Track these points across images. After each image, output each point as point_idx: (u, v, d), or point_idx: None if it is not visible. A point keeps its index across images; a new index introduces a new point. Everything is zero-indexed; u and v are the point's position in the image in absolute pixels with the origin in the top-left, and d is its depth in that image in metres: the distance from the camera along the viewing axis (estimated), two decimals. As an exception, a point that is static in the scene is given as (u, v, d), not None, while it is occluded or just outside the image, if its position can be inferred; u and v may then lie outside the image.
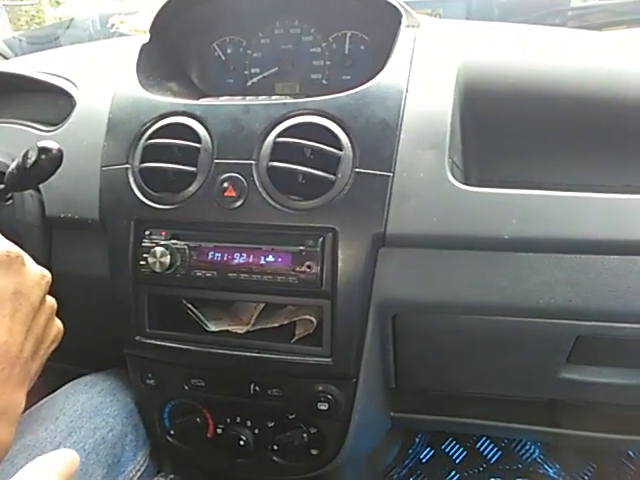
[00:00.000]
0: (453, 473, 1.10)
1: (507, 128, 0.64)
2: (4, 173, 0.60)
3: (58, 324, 0.45)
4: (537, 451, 1.11)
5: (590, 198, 0.55)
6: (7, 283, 0.40)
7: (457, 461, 1.14)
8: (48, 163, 0.54)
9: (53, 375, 0.48)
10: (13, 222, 0.66)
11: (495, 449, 1.13)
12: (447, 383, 0.70)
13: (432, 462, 1.14)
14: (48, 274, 0.45)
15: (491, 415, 0.74)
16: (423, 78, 0.63)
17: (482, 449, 1.14)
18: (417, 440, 1.16)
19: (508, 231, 0.54)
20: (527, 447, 1.12)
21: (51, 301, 0.45)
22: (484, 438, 1.15)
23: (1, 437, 0.37)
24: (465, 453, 1.14)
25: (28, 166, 0.54)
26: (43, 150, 0.54)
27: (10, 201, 0.64)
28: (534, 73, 0.64)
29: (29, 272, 0.42)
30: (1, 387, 0.37)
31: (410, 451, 1.15)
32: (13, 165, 0.56)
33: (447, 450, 1.15)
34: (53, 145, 0.54)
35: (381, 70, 0.63)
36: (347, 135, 0.59)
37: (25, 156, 0.55)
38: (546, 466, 1.09)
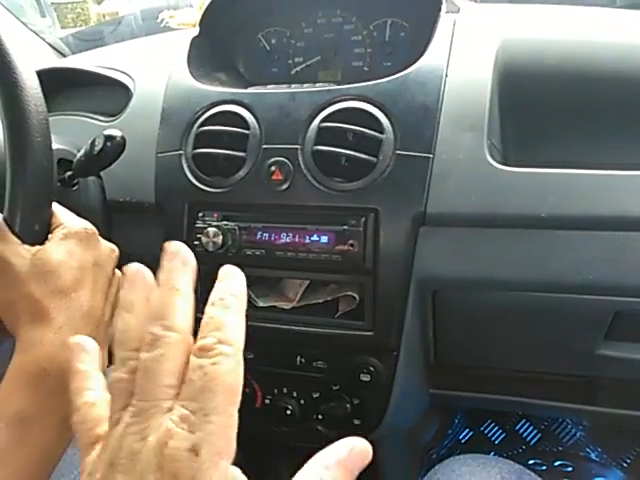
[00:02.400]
0: (492, 454, 1.12)
1: (546, 109, 0.65)
2: (70, 161, 0.66)
3: None
4: (578, 433, 1.11)
5: (627, 176, 0.55)
6: (88, 256, 0.45)
7: (496, 442, 1.15)
8: (113, 150, 0.59)
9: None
10: (78, 206, 0.71)
11: (535, 431, 1.14)
12: (485, 359, 0.72)
13: (471, 443, 1.16)
14: (116, 249, 0.50)
15: (530, 393, 0.75)
16: (462, 62, 0.64)
17: (521, 431, 1.15)
18: (456, 421, 1.17)
19: (545, 209, 0.56)
20: (568, 429, 1.12)
21: (119, 273, 0.50)
22: (524, 420, 1.15)
23: None
24: (504, 435, 1.15)
25: (95, 153, 0.59)
26: (109, 138, 0.58)
27: (76, 187, 0.70)
28: (575, 53, 0.65)
29: (103, 246, 0.47)
30: None
31: (449, 431, 1.17)
32: (81, 153, 0.61)
33: (486, 431, 1.17)
34: (117, 133, 0.59)
35: (421, 56, 0.66)
36: (388, 119, 0.62)
37: (93, 144, 0.60)
38: (588, 449, 1.09)
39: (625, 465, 1.06)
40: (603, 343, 0.63)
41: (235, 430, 0.25)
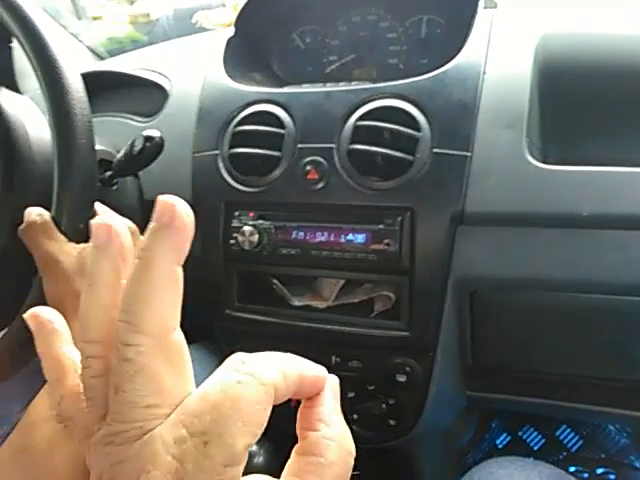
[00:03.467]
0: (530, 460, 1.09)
1: (586, 105, 0.63)
2: (110, 161, 0.67)
3: None
4: (622, 440, 1.07)
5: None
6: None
7: (535, 448, 1.12)
8: (152, 150, 0.60)
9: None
10: (117, 205, 0.73)
11: (576, 438, 1.10)
12: (525, 361, 0.70)
13: (509, 448, 1.13)
14: None
15: (572, 397, 0.73)
16: (501, 58, 0.63)
17: (562, 437, 1.11)
18: (493, 425, 1.15)
19: (587, 208, 0.54)
20: (611, 436, 1.08)
21: None
22: (564, 426, 1.12)
23: None
24: (544, 441, 1.12)
25: (135, 153, 0.60)
26: (148, 138, 0.60)
27: (115, 186, 0.71)
28: (615, 47, 0.63)
29: None
30: None
31: (486, 436, 1.14)
32: (121, 153, 0.63)
33: (524, 437, 1.14)
34: (156, 133, 0.60)
35: (458, 52, 0.64)
36: (425, 116, 0.61)
37: (132, 144, 0.61)
38: (632, 456, 1.05)
39: (671, 474, 1.02)
40: (653, 346, 0.61)
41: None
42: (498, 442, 1.14)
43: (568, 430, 1.12)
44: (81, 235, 0.46)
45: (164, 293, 0.21)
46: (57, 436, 0.38)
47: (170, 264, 0.22)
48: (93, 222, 0.24)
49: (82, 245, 0.45)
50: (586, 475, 1.05)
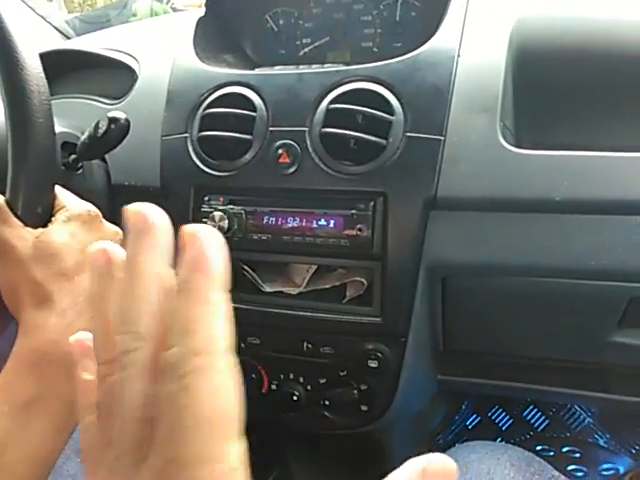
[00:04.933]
0: (499, 440, 1.12)
1: (560, 90, 0.63)
2: (75, 144, 0.65)
3: None
4: (587, 420, 1.10)
5: (644, 158, 0.54)
6: (91, 238, 0.44)
7: (503, 428, 1.15)
8: (117, 132, 0.58)
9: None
10: (82, 190, 0.71)
11: (543, 417, 1.13)
12: (495, 346, 0.71)
13: (478, 428, 1.15)
14: (121, 232, 0.49)
15: (540, 379, 0.75)
16: (475, 42, 0.62)
17: (529, 417, 1.14)
18: (463, 406, 1.17)
19: (559, 193, 0.55)
20: (576, 416, 1.11)
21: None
22: (531, 406, 1.15)
23: None
24: (512, 421, 1.15)
25: (99, 135, 0.58)
26: (113, 120, 0.57)
27: (80, 170, 0.69)
28: (590, 32, 0.63)
29: (107, 229, 0.47)
30: None
31: (456, 417, 1.16)
32: (85, 135, 0.61)
33: (493, 417, 1.16)
34: (121, 115, 0.58)
35: (433, 35, 0.64)
36: (398, 100, 0.60)
37: (96, 126, 0.59)
38: (596, 435, 1.09)
39: (634, 452, 1.06)
40: (617, 330, 0.62)
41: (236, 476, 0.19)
42: (468, 423, 1.16)
43: (535, 410, 1.14)
44: (39, 220, 0.44)
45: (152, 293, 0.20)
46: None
47: (154, 263, 0.21)
48: (95, 252, 0.23)
49: (39, 230, 0.43)
50: (552, 454, 1.08)
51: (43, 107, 0.45)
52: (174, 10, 1.07)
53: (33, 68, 0.46)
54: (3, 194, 0.44)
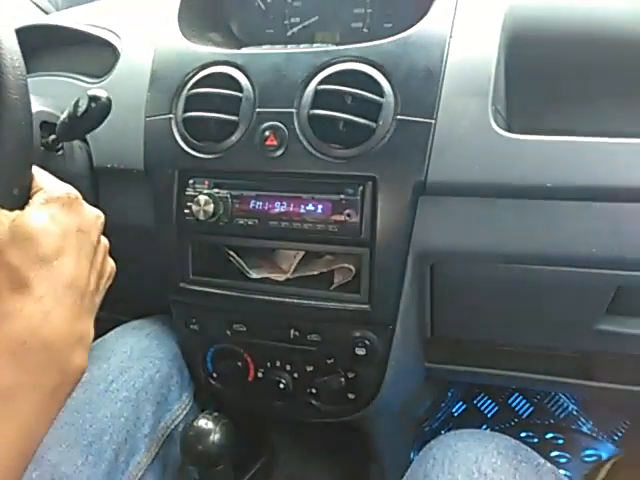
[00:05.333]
0: (484, 427, 1.12)
1: (554, 76, 0.62)
2: (54, 124, 0.63)
3: (111, 262, 0.48)
4: (570, 407, 1.11)
5: (634, 144, 0.53)
6: (71, 221, 0.42)
7: (489, 416, 1.16)
8: (98, 111, 0.56)
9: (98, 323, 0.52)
10: (63, 172, 0.69)
11: (527, 405, 1.14)
12: (483, 333, 0.71)
13: (464, 416, 1.16)
14: (102, 215, 0.47)
15: (526, 367, 0.75)
16: (468, 24, 0.61)
17: (514, 404, 1.15)
18: (450, 394, 1.18)
19: (550, 179, 0.54)
20: (560, 403, 1.12)
21: (105, 240, 0.47)
22: (516, 394, 1.16)
23: (79, 362, 0.40)
24: (497, 408, 1.16)
25: (79, 114, 0.56)
26: (93, 98, 0.55)
27: (60, 152, 0.67)
28: (585, 18, 0.62)
29: (87, 212, 0.45)
30: (75, 317, 0.40)
31: (443, 404, 1.17)
32: (64, 114, 0.58)
33: (479, 405, 1.17)
34: (102, 93, 0.56)
35: (424, 16, 0.62)
36: (389, 82, 0.59)
37: (76, 105, 0.56)
38: (579, 422, 1.10)
39: (616, 438, 1.07)
40: (604, 318, 0.62)
41: None
42: (454, 410, 1.17)
43: (520, 398, 1.16)
44: (16, 202, 0.42)
45: None
46: None
47: None
48: None
49: (16, 212, 0.41)
50: (536, 440, 1.09)
51: (18, 83, 0.43)
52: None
53: (7, 42, 0.43)
54: None
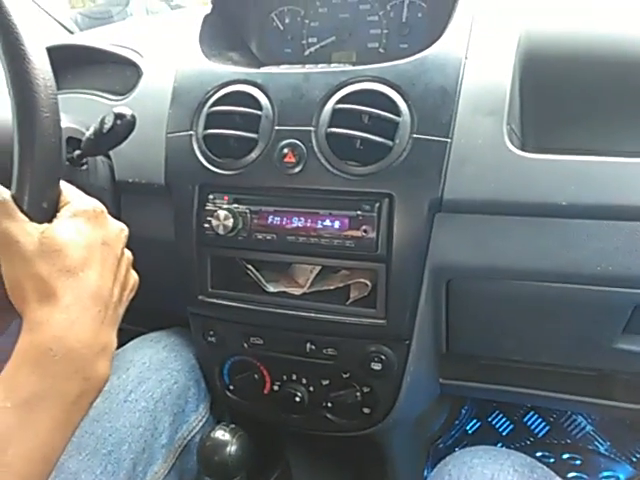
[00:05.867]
0: (499, 445, 1.11)
1: (568, 96, 0.63)
2: (79, 140, 0.64)
3: (134, 274, 0.50)
4: (588, 427, 1.10)
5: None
6: (96, 235, 0.44)
7: (504, 434, 1.15)
8: (123, 128, 0.58)
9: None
10: (87, 186, 0.70)
11: (543, 424, 1.13)
12: (499, 350, 0.71)
13: (478, 434, 1.15)
14: (126, 228, 0.49)
15: (542, 385, 0.74)
16: (483, 45, 0.62)
17: (530, 423, 1.14)
18: (464, 411, 1.17)
19: (566, 197, 0.54)
20: (577, 422, 1.11)
21: (128, 253, 0.49)
22: (532, 412, 1.14)
23: (102, 370, 0.41)
24: (512, 426, 1.15)
25: (105, 131, 0.58)
26: (119, 116, 0.57)
27: (85, 166, 0.68)
28: (599, 39, 0.63)
29: (112, 226, 0.46)
30: (100, 326, 0.41)
31: (457, 422, 1.16)
32: (90, 131, 0.60)
33: (494, 422, 1.16)
34: (128, 111, 0.58)
35: (440, 37, 0.63)
36: (405, 101, 0.60)
37: (102, 122, 0.58)
38: (597, 442, 1.08)
39: (635, 460, 1.05)
40: (621, 337, 0.62)
41: None
42: (468, 428, 1.16)
43: (535, 416, 1.14)
44: (45, 215, 0.44)
45: None
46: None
47: None
48: None
49: (45, 225, 0.43)
50: (552, 460, 1.07)
51: (50, 101, 0.45)
52: (171, 8, 1.07)
53: (40, 62, 0.45)
54: (9, 188, 0.44)
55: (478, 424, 1.16)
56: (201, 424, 0.72)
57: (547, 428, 1.12)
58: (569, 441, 1.10)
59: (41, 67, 0.45)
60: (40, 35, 0.46)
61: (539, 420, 1.14)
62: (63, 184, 0.47)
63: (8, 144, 0.46)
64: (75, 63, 0.83)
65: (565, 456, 1.07)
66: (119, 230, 0.47)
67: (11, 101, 0.45)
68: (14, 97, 0.44)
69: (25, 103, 0.44)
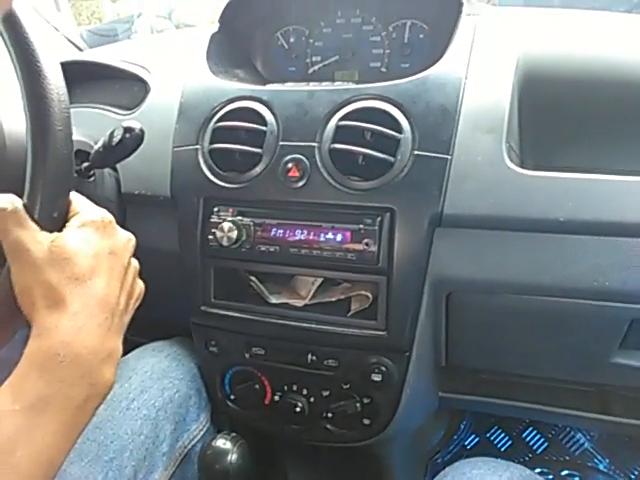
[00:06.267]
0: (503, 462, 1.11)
1: (565, 115, 0.65)
2: (87, 152, 0.66)
3: (140, 283, 0.51)
4: (587, 443, 1.10)
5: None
6: (104, 244, 0.45)
7: (502, 449, 1.14)
8: (131, 141, 0.59)
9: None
10: (93, 197, 0.72)
11: (542, 440, 1.13)
12: (497, 363, 0.72)
13: (476, 449, 1.15)
14: (133, 238, 0.50)
15: (541, 400, 0.75)
16: (483, 65, 0.64)
17: (528, 439, 1.14)
18: (462, 426, 1.17)
19: (564, 213, 0.56)
20: (575, 439, 1.11)
21: (135, 262, 0.50)
22: (531, 428, 1.14)
23: (108, 376, 0.42)
24: (511, 442, 1.14)
25: (114, 144, 0.59)
26: (128, 129, 0.59)
27: (92, 178, 0.70)
28: (596, 60, 0.65)
29: (120, 235, 0.48)
30: (106, 333, 0.42)
31: (455, 436, 1.16)
32: (100, 144, 0.62)
33: (492, 438, 1.16)
34: (136, 125, 0.59)
35: (441, 57, 0.65)
36: (407, 119, 0.62)
37: (111, 135, 0.60)
38: (596, 459, 1.08)
39: (633, 477, 1.05)
40: (618, 351, 0.63)
41: None
42: (466, 443, 1.16)
43: (534, 432, 1.14)
44: (55, 224, 0.45)
45: None
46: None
47: None
48: None
49: (55, 234, 0.44)
50: (551, 477, 1.07)
51: (63, 116, 0.47)
52: (177, 27, 1.09)
53: (54, 77, 0.47)
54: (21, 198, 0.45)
55: (477, 439, 1.16)
56: (202, 433, 0.72)
57: (546, 444, 1.12)
58: (568, 457, 1.10)
59: (56, 83, 0.47)
60: (55, 52, 0.47)
61: (538, 436, 1.13)
62: (73, 194, 0.49)
63: (21, 155, 0.48)
64: (84, 78, 0.85)
65: (564, 472, 1.07)
66: (127, 240, 0.49)
67: (26, 114, 0.46)
68: (29, 111, 0.46)
69: (39, 117, 0.45)
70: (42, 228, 0.44)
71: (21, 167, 0.46)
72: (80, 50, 1.15)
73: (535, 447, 1.13)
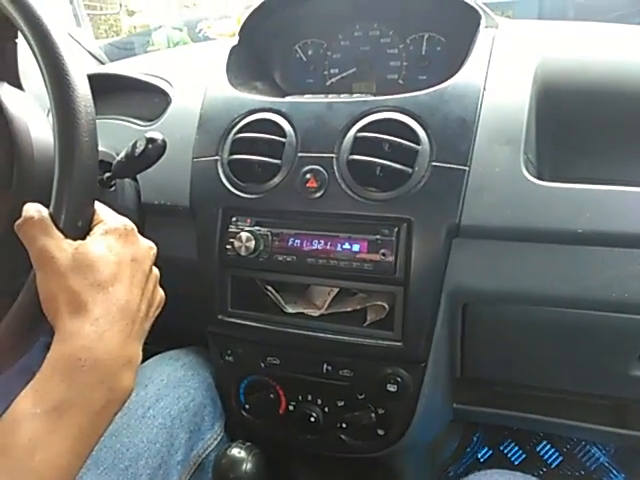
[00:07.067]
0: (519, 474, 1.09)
1: (583, 126, 0.65)
2: (108, 163, 0.67)
3: (161, 291, 0.52)
4: (602, 458, 1.08)
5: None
6: (126, 252, 0.46)
7: (516, 463, 1.13)
8: (154, 152, 0.60)
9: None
10: (114, 207, 0.73)
11: (556, 454, 1.11)
12: (513, 375, 0.71)
13: (489, 462, 1.13)
14: (154, 246, 0.51)
15: (557, 412, 0.74)
16: (501, 77, 0.65)
17: (542, 453, 1.12)
18: (475, 438, 1.16)
19: (582, 225, 0.56)
20: (591, 453, 1.09)
21: (156, 270, 0.51)
22: (545, 442, 1.13)
23: (127, 382, 0.43)
24: (525, 456, 1.13)
25: (137, 155, 0.60)
26: (150, 140, 0.60)
27: (113, 188, 0.71)
28: (613, 72, 0.65)
29: (141, 243, 0.49)
30: (126, 340, 0.43)
31: (468, 449, 1.15)
32: (122, 154, 0.63)
33: (506, 451, 1.14)
34: (159, 136, 0.60)
35: (459, 69, 0.66)
36: (425, 130, 0.62)
37: (134, 146, 0.61)
38: (611, 474, 1.07)
39: (650, 492, 1.03)
40: (637, 364, 0.62)
41: None
42: (480, 456, 1.14)
43: (548, 446, 1.12)
44: (79, 233, 0.46)
45: None
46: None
47: None
48: None
49: (79, 242, 0.45)
50: (565, 492, 1.06)
51: (89, 127, 0.48)
52: (193, 40, 1.11)
53: (82, 90, 0.48)
54: (48, 207, 0.46)
55: (490, 452, 1.15)
56: (216, 442, 0.72)
57: (560, 458, 1.11)
58: (583, 472, 1.08)
59: (83, 95, 0.48)
60: (83, 64, 0.49)
61: (552, 450, 1.12)
62: (97, 204, 0.50)
63: (48, 165, 0.49)
64: (107, 90, 0.87)
65: (579, 487, 1.06)
66: (148, 248, 0.50)
67: (54, 126, 0.48)
68: (57, 122, 0.47)
69: (67, 128, 0.47)
70: (67, 236, 0.45)
71: (48, 177, 0.48)
72: (102, 63, 1.18)
73: (549, 461, 1.11)
